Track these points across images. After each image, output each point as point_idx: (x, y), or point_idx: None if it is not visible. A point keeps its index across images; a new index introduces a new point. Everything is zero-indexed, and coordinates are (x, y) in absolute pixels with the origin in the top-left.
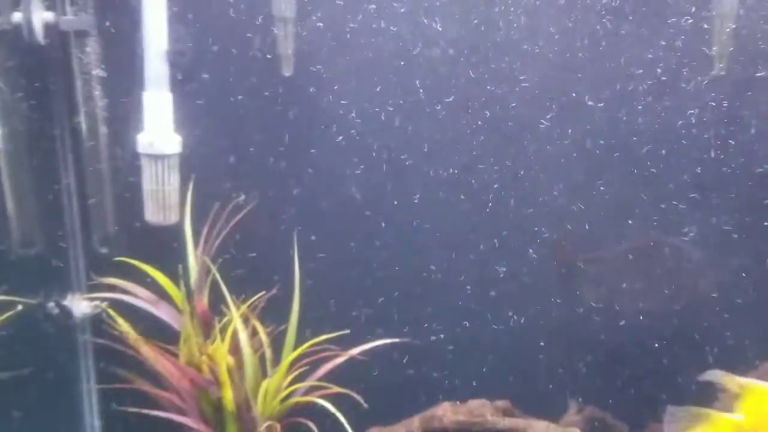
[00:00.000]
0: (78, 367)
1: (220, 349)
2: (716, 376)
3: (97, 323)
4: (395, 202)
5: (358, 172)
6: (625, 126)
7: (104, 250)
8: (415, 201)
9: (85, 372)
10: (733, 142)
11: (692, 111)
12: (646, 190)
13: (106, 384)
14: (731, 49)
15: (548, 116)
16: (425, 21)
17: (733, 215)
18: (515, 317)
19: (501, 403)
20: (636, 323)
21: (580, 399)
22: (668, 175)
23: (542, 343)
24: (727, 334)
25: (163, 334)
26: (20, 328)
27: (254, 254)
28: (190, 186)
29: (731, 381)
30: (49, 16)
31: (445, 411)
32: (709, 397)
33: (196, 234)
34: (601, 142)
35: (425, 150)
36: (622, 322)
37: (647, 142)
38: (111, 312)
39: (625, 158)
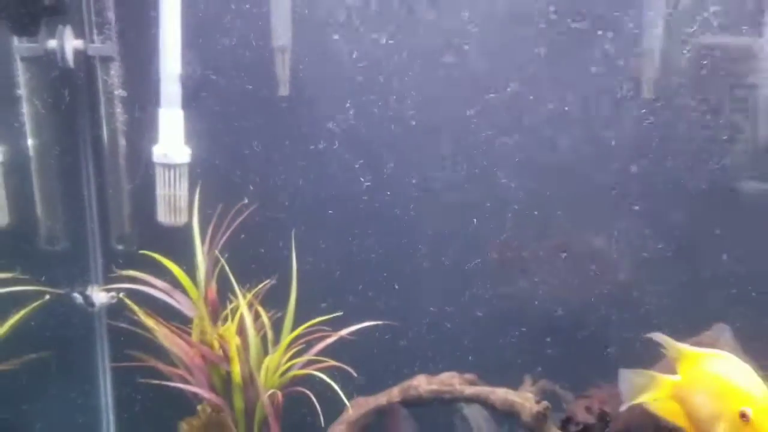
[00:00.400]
0: (96, 349)
1: (230, 329)
2: (659, 338)
3: (119, 311)
4: (377, 204)
5: (344, 177)
6: (561, 141)
7: (120, 247)
8: (395, 201)
9: (101, 353)
10: (651, 157)
11: (617, 129)
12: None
13: (124, 368)
14: (656, 75)
15: (500, 135)
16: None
17: (650, 218)
18: (479, 305)
19: (468, 376)
20: (571, 310)
21: (537, 371)
22: (591, 182)
23: (500, 327)
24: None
25: (176, 321)
26: (47, 316)
27: (255, 250)
28: (197, 191)
29: (670, 346)
30: (78, 43)
31: (420, 382)
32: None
33: (203, 233)
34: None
35: (401, 158)
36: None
37: (577, 155)
38: (128, 301)
39: (557, 169)
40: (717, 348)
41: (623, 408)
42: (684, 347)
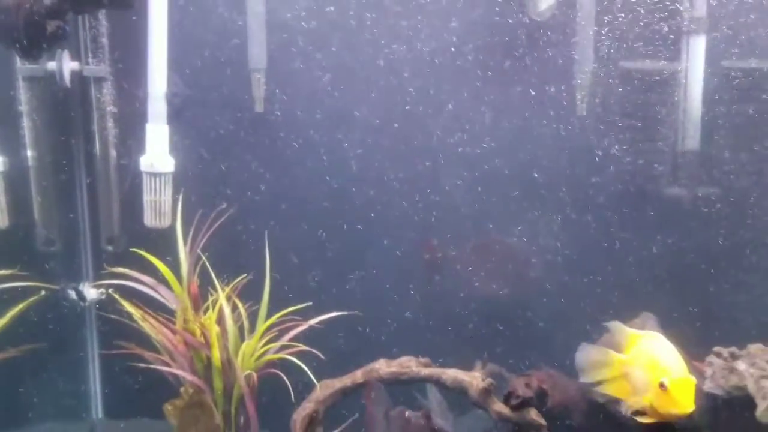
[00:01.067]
0: (86, 340)
1: (211, 317)
2: (612, 324)
3: (108, 305)
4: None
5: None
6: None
7: (110, 248)
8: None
9: (91, 343)
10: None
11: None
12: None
13: (111, 356)
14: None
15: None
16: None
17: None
18: (437, 297)
19: (423, 359)
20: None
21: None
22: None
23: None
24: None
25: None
26: (43, 310)
27: (233, 249)
28: (180, 197)
29: (619, 329)
30: (75, 65)
31: (381, 365)
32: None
33: (185, 235)
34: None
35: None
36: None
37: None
38: (117, 296)
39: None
40: None
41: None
42: (630, 330)
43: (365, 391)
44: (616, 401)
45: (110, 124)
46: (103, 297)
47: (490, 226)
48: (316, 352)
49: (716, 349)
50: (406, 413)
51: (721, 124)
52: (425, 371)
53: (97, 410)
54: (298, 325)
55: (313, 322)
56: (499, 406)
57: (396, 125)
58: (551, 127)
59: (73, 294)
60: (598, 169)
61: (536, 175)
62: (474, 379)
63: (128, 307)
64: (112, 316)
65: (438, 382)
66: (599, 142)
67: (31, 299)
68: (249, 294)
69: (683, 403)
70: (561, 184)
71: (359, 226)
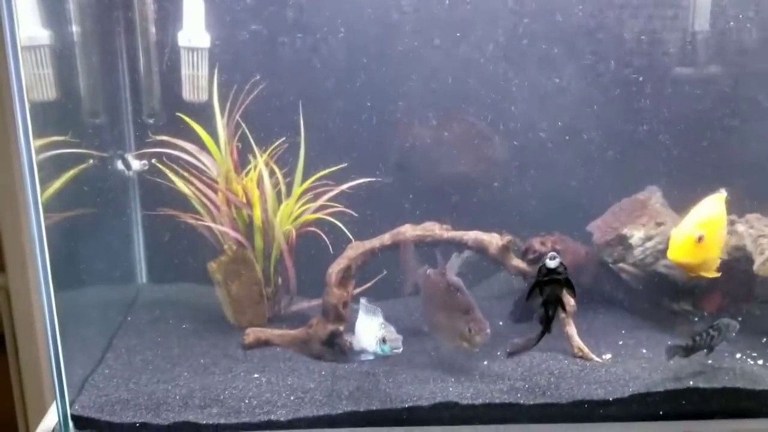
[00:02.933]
0: (131, 206)
1: (252, 178)
2: None
3: (154, 175)
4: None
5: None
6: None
7: (151, 121)
8: None
9: (135, 210)
10: None
11: None
12: None
13: (156, 223)
14: None
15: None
16: None
17: None
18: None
19: (444, 225)
20: None
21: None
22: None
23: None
24: None
25: None
26: (93, 178)
27: (270, 120)
28: (215, 72)
29: None
30: None
31: (407, 229)
32: None
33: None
34: None
35: None
36: None
37: None
38: (160, 165)
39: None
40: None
41: None
42: None
43: (401, 249)
44: (622, 263)
45: (149, 0)
46: (146, 167)
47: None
48: (351, 212)
49: None
50: (428, 270)
51: None
52: (447, 234)
53: (142, 275)
54: (331, 190)
55: (345, 186)
56: (516, 261)
57: None
58: None
59: (119, 163)
60: None
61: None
62: (493, 238)
63: (171, 173)
64: (158, 180)
65: (460, 243)
66: None
67: (82, 166)
68: (286, 162)
69: (671, 250)
70: None
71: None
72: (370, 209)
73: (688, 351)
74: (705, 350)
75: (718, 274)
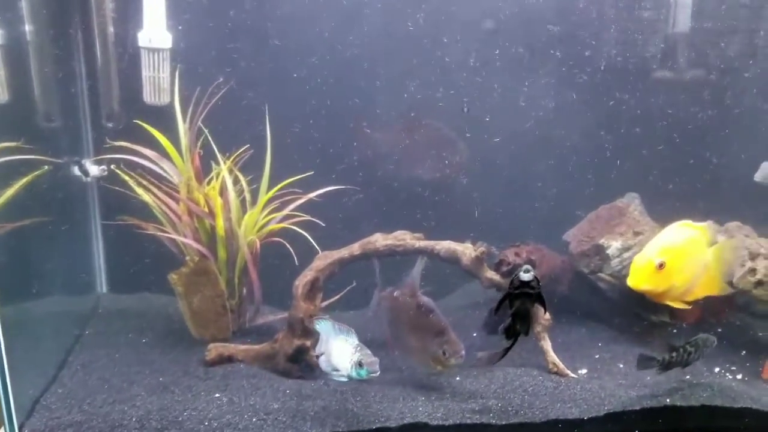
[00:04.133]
0: (89, 215)
1: (214, 187)
2: None
3: (111, 181)
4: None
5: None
6: None
7: (110, 125)
8: None
9: (94, 218)
10: None
11: None
12: None
13: (115, 231)
14: None
15: None
16: None
17: None
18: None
19: (416, 234)
20: None
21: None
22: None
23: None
24: None
25: None
26: (48, 185)
27: (234, 125)
28: (177, 74)
29: None
30: None
31: (378, 238)
32: None
33: (184, 111)
34: None
35: None
36: None
37: None
38: (119, 171)
39: None
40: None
41: None
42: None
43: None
44: (600, 273)
45: None
46: (105, 173)
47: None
48: (317, 220)
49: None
50: (395, 292)
51: None
52: (419, 243)
53: (102, 284)
54: (298, 198)
55: (312, 195)
56: (490, 273)
57: None
58: None
59: (76, 169)
60: None
61: None
62: (466, 248)
63: (130, 180)
64: (116, 188)
65: (432, 254)
66: None
67: (36, 173)
68: (251, 170)
69: (630, 276)
70: None
71: (357, 100)
72: (340, 218)
73: (663, 367)
74: (680, 366)
75: (689, 307)
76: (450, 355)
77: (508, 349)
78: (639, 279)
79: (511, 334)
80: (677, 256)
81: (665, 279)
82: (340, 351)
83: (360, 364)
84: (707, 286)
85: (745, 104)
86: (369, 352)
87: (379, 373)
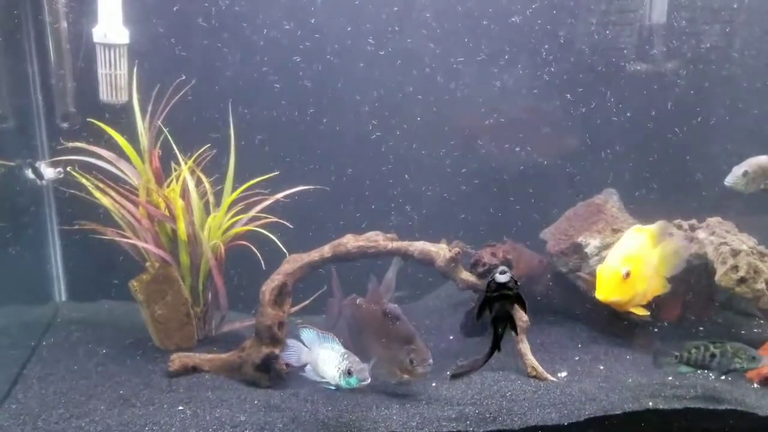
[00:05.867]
0: (45, 220)
1: (175, 189)
2: None
3: (67, 183)
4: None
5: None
6: None
7: (65, 125)
8: None
9: (50, 223)
10: None
11: None
12: None
13: (74, 238)
14: None
15: None
16: None
17: None
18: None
19: (389, 235)
20: None
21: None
22: None
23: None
24: None
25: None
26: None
27: (196, 122)
28: (135, 70)
29: None
30: None
31: (349, 239)
32: None
33: (143, 109)
34: None
35: None
36: None
37: None
38: (75, 173)
39: None
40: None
41: None
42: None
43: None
44: (578, 272)
45: None
46: (61, 176)
47: None
48: (285, 222)
49: (677, 221)
50: (357, 300)
51: None
52: (392, 245)
53: (60, 293)
54: (265, 199)
55: (279, 196)
56: (465, 275)
57: None
58: None
59: (29, 172)
60: None
61: None
62: (441, 249)
63: (87, 182)
64: (72, 191)
65: (405, 255)
66: None
67: None
68: (214, 171)
69: (599, 290)
70: None
71: (326, 101)
72: (308, 219)
73: (686, 363)
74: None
75: (648, 313)
76: (417, 364)
77: (490, 355)
78: (608, 291)
79: (493, 338)
80: (638, 263)
81: (631, 287)
82: (327, 359)
83: (349, 373)
84: (655, 287)
85: (728, 101)
86: (357, 359)
87: (369, 380)
